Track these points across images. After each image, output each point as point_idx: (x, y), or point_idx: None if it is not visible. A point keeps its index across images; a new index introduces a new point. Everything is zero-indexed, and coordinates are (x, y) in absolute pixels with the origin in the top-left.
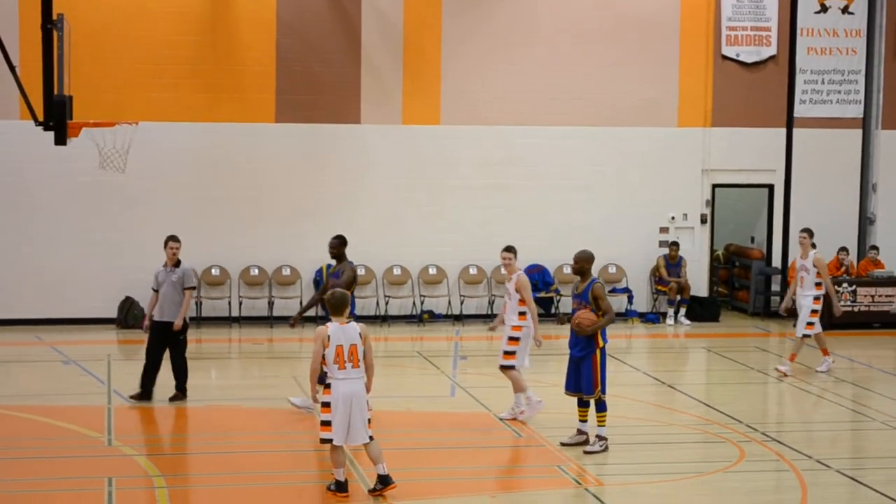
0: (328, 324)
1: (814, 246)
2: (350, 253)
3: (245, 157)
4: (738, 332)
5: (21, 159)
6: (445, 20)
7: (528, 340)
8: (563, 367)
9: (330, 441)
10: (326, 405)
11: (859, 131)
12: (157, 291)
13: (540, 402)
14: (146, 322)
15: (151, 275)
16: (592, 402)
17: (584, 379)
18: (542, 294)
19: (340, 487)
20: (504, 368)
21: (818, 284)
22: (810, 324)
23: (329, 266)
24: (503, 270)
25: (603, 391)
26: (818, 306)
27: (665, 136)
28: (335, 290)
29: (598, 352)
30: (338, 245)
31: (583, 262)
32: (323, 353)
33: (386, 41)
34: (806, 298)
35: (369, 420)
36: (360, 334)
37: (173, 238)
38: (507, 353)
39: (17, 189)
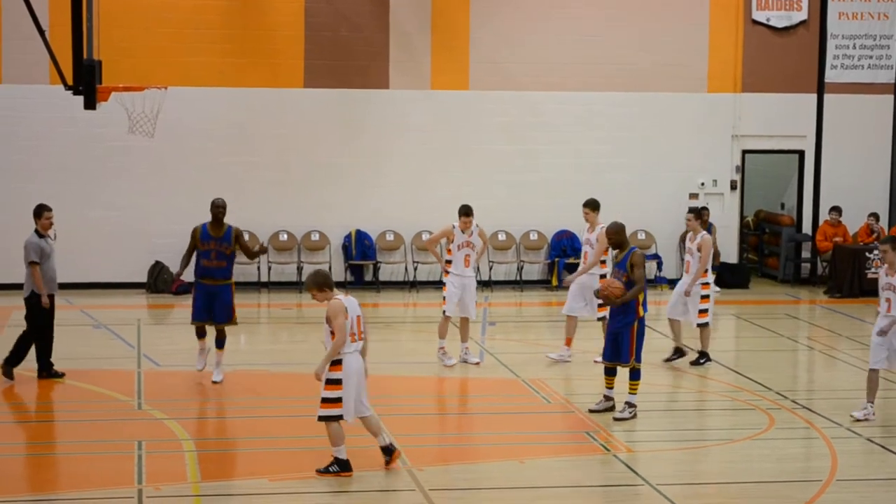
0: (338, 296)
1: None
2: (380, 218)
3: (274, 123)
4: (768, 300)
5: (50, 124)
6: None
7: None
8: (591, 334)
9: (338, 418)
10: (336, 382)
11: (891, 97)
12: (38, 264)
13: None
14: (44, 299)
15: (181, 239)
16: (626, 370)
17: (623, 349)
18: (571, 260)
19: (344, 466)
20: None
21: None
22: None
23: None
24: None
25: (638, 360)
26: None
27: (695, 102)
28: (319, 269)
29: (636, 323)
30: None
31: (614, 235)
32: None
33: (414, 6)
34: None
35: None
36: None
37: (46, 207)
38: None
39: (46, 153)
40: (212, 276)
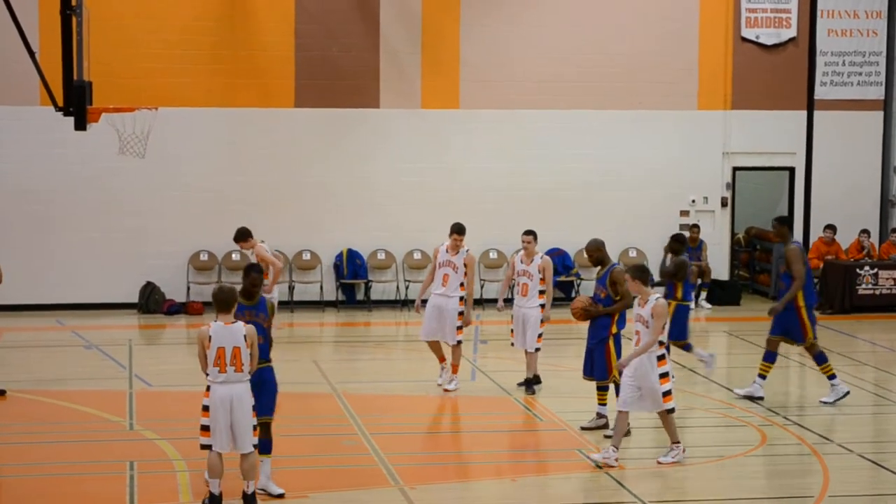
0: (210, 323)
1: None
2: (371, 237)
3: (264, 142)
4: (759, 316)
5: (41, 145)
6: (464, 4)
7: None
8: (581, 352)
9: (209, 447)
10: (206, 409)
11: (880, 113)
12: None
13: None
14: None
15: (172, 259)
16: (612, 386)
17: (598, 365)
18: (563, 278)
19: (214, 501)
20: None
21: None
22: (460, 328)
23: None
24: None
25: (620, 375)
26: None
27: (685, 119)
28: (222, 286)
29: (610, 339)
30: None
31: (594, 252)
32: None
33: (405, 25)
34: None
35: (255, 427)
36: (244, 336)
37: None
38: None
39: (37, 175)
40: None
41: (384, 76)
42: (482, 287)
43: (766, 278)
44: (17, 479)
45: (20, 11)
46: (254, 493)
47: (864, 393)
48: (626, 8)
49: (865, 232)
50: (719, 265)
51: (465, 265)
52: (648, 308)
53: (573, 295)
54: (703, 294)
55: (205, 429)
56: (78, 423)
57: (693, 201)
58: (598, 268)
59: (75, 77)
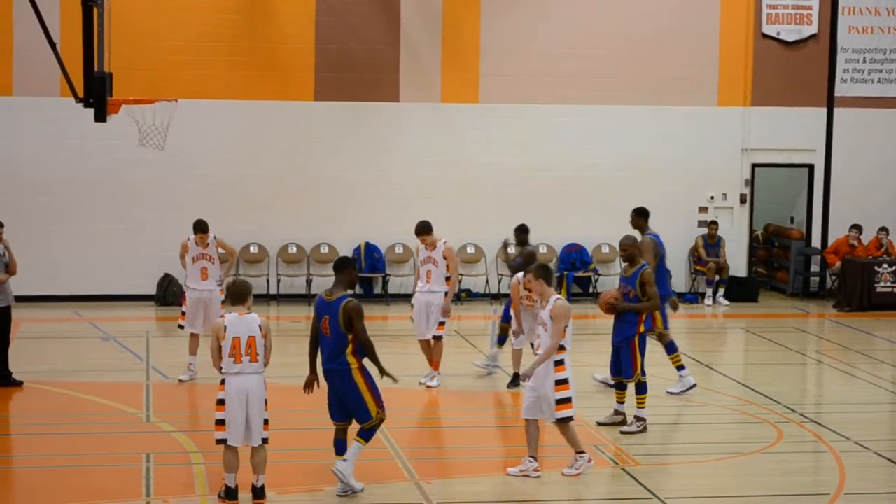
0: (225, 315)
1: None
2: (389, 231)
3: (283, 135)
4: (777, 313)
5: (61, 136)
6: None
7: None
8: (600, 347)
9: (224, 442)
10: (220, 402)
11: None
12: None
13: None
14: None
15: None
16: (631, 384)
17: (624, 364)
18: (580, 273)
19: (230, 494)
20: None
21: (448, 279)
22: (442, 323)
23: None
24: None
25: (643, 374)
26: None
27: (705, 116)
28: (236, 279)
29: (636, 338)
30: None
31: (630, 248)
32: (220, 346)
33: (425, 19)
34: (436, 295)
35: (266, 421)
36: (259, 326)
37: None
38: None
39: (57, 166)
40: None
41: (404, 70)
42: (499, 282)
43: (783, 275)
44: (33, 469)
45: (42, 2)
46: (262, 487)
47: (881, 391)
48: (647, 4)
49: (884, 229)
50: (737, 262)
51: (444, 258)
52: (548, 310)
53: (591, 290)
54: (721, 291)
55: (220, 423)
56: (94, 414)
57: (712, 198)
58: (626, 265)
59: (96, 68)
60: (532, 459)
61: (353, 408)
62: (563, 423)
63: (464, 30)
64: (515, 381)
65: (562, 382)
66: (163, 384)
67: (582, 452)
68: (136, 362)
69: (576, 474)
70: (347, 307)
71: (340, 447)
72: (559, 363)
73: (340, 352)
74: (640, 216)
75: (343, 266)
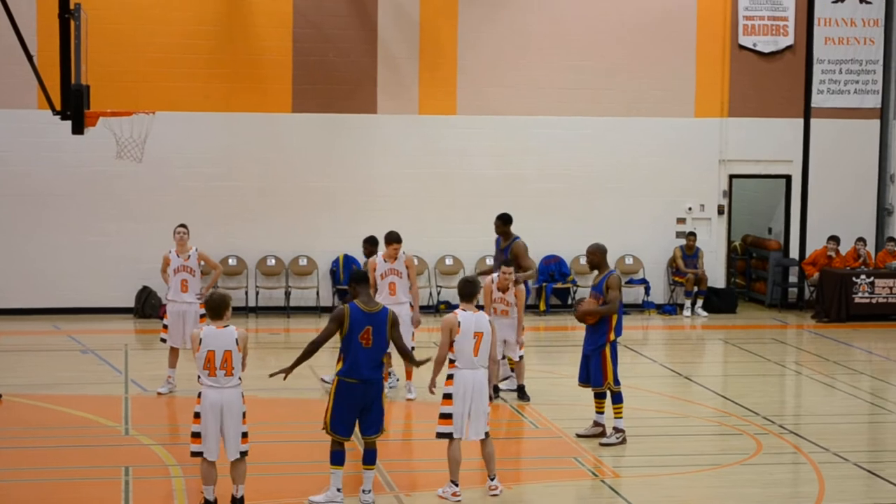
0: (203, 326)
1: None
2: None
3: (261, 147)
4: (756, 324)
5: (38, 148)
6: (462, 10)
7: None
8: (577, 359)
9: (200, 454)
10: (197, 415)
11: (877, 121)
12: None
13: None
14: None
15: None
16: (609, 393)
17: (594, 372)
18: (559, 285)
19: None
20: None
21: (410, 288)
22: (412, 334)
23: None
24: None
25: (616, 383)
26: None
27: (682, 127)
28: (214, 292)
29: (607, 347)
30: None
31: (594, 255)
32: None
33: (402, 31)
34: (403, 306)
35: (245, 434)
36: (236, 340)
37: None
38: None
39: (34, 178)
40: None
41: (381, 82)
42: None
43: (762, 286)
44: (11, 483)
45: (18, 15)
46: (242, 497)
47: (860, 402)
48: (624, 15)
49: (861, 240)
50: (715, 273)
51: (406, 267)
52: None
53: (569, 302)
54: (700, 302)
55: (195, 436)
56: (73, 427)
57: (689, 209)
58: (595, 273)
59: (73, 81)
60: (452, 484)
61: (376, 418)
62: (439, 437)
63: (441, 42)
64: (522, 393)
65: (447, 397)
66: (142, 397)
67: (454, 482)
68: (114, 375)
69: (441, 496)
70: (393, 316)
71: (339, 458)
72: (449, 377)
73: (381, 362)
74: (506, 223)
75: (365, 276)
